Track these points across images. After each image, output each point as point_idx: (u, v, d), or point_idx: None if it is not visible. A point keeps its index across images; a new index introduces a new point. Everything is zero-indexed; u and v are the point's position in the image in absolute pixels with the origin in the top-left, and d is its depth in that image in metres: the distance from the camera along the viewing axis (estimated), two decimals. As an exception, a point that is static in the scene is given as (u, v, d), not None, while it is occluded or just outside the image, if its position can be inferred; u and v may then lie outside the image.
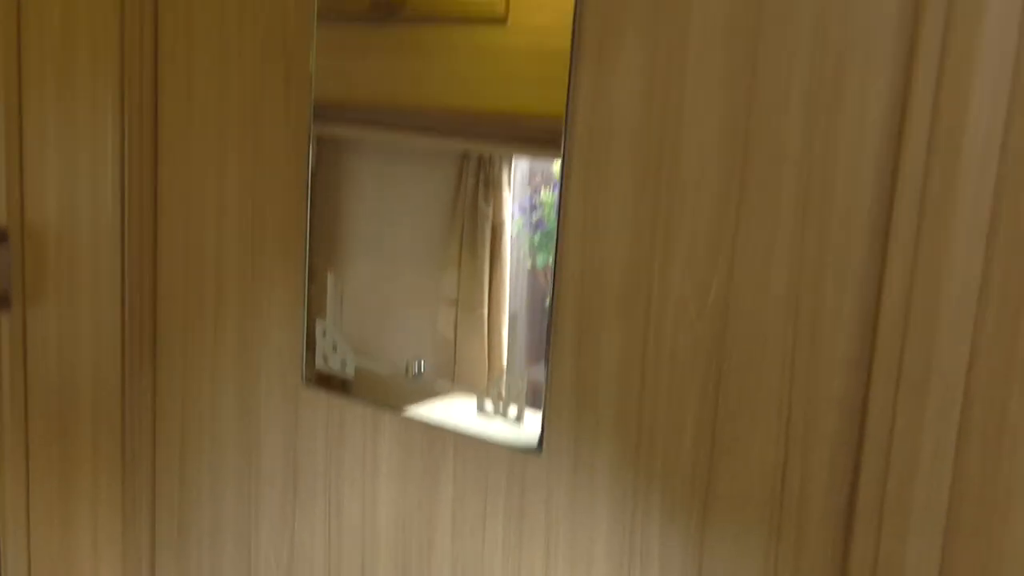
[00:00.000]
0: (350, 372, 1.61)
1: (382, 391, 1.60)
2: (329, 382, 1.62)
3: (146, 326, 1.73)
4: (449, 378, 1.57)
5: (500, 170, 1.63)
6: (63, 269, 1.79)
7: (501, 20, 1.43)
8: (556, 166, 1.70)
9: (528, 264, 1.77)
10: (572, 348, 1.28)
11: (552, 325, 1.30)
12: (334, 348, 1.63)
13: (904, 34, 0.92)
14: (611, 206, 1.20)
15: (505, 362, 1.65)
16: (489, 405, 1.48)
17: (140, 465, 1.75)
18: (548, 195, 1.72)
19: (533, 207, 1.75)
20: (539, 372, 1.64)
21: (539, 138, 1.39)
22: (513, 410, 1.44)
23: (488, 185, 1.65)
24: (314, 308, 1.63)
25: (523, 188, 1.75)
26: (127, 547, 1.80)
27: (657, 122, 1.12)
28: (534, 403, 1.47)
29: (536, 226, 1.75)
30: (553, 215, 1.74)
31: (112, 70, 1.70)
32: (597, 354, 1.24)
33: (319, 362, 1.63)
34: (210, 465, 1.70)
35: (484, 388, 1.49)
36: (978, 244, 0.89)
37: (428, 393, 1.59)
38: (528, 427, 1.44)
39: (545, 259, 1.78)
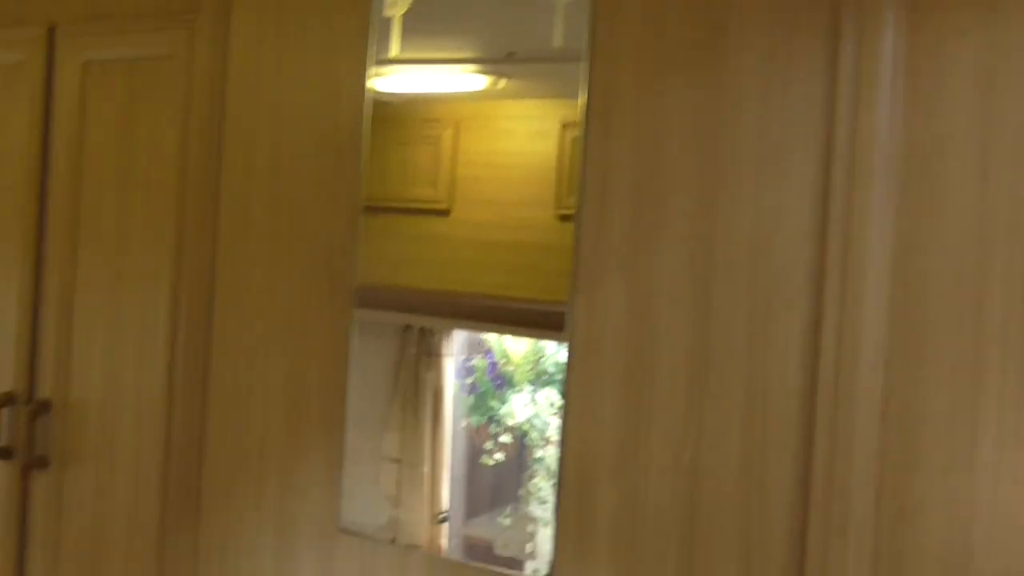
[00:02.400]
0: (382, 520, 1.66)
1: (411, 536, 1.70)
2: (362, 529, 1.65)
3: (191, 491, 1.80)
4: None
5: (440, 340, 1.88)
6: (104, 435, 1.90)
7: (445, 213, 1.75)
8: (488, 336, 2.02)
9: (464, 423, 2.00)
10: (574, 505, 1.51)
11: (560, 487, 1.53)
12: (369, 501, 1.67)
13: (813, 279, 1.28)
14: (604, 393, 1.45)
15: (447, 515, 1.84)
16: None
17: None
18: (481, 361, 2.02)
19: (468, 372, 2.01)
20: (478, 525, 1.88)
21: (541, 323, 1.63)
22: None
23: (430, 354, 1.88)
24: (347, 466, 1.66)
25: (459, 355, 2.00)
26: None
27: (637, 332, 1.41)
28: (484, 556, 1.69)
29: (471, 389, 2.01)
30: (485, 378, 2.03)
31: (168, 265, 1.82)
32: (594, 508, 1.45)
33: (354, 512, 1.64)
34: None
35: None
36: (874, 426, 1.22)
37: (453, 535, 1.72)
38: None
39: (479, 419, 2.03)
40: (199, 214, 1.78)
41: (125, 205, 1.87)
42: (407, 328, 1.84)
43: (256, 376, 1.74)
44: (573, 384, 1.47)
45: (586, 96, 1.42)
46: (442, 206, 1.60)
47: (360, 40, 1.61)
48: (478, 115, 1.55)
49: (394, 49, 1.58)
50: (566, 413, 1.49)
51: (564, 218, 1.47)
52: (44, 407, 1.95)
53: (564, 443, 1.49)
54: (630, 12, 1.40)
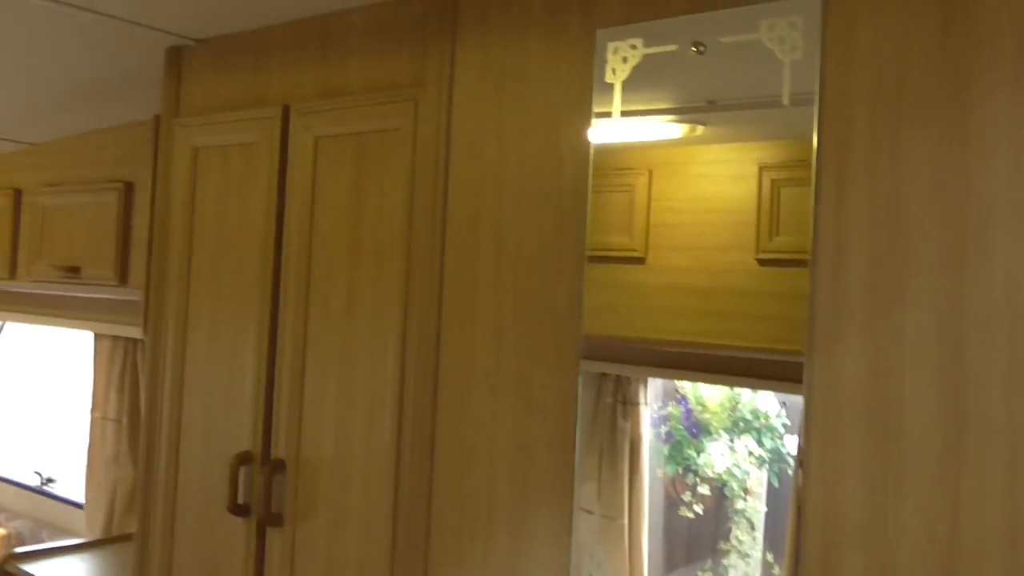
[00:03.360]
0: None
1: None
2: None
3: (419, 547, 1.82)
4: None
5: (637, 389, 1.86)
6: (335, 493, 1.97)
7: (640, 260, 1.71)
8: (682, 384, 1.98)
9: (660, 473, 1.96)
10: (818, 573, 1.40)
11: (801, 552, 1.44)
12: (599, 565, 1.66)
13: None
14: (847, 454, 1.38)
15: (647, 570, 1.80)
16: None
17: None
18: (676, 409, 1.98)
19: (663, 421, 1.98)
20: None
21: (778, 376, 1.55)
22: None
23: (626, 403, 1.85)
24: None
25: (653, 404, 1.98)
26: None
27: (881, 390, 1.34)
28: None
29: (666, 438, 1.98)
30: (680, 426, 1.99)
31: (395, 329, 1.87)
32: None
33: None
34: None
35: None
36: None
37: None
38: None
39: (675, 469, 1.99)
40: (425, 278, 1.82)
41: (354, 271, 1.94)
42: (602, 376, 1.84)
43: (483, 433, 1.76)
44: (812, 443, 1.40)
45: (817, 146, 1.38)
46: (637, 254, 1.59)
47: (583, 102, 1.62)
48: (671, 161, 1.54)
49: (614, 112, 1.59)
50: (805, 473, 1.41)
51: (765, 262, 1.43)
52: (279, 466, 2.03)
53: (805, 506, 1.41)
54: (864, 64, 1.36)
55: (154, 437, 2.31)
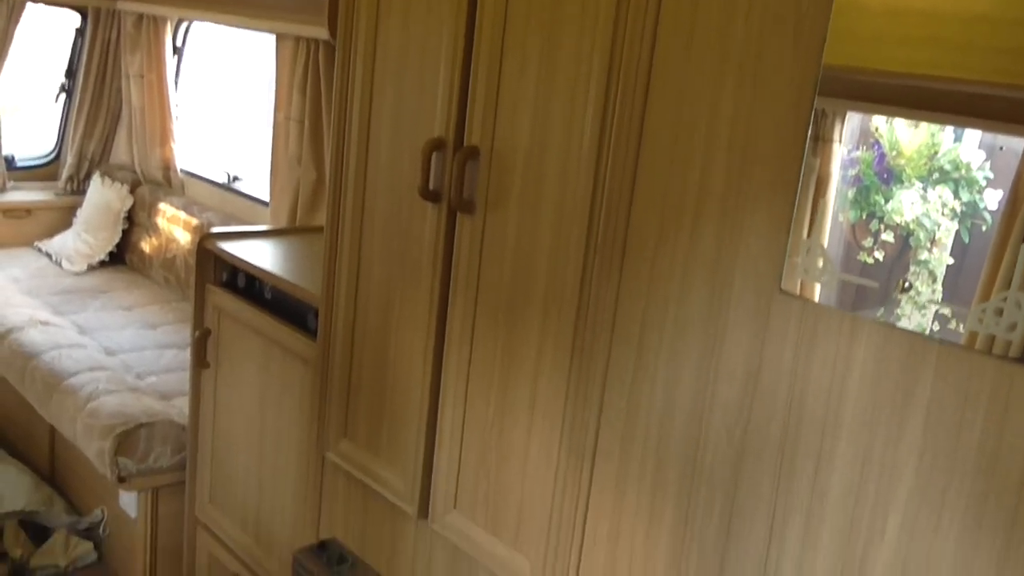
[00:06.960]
0: (829, 283, 1.64)
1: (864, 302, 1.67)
2: (806, 291, 1.63)
3: (618, 232, 1.79)
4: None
5: (832, 124, 1.74)
6: (529, 182, 1.92)
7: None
8: (877, 128, 1.86)
9: (840, 218, 1.89)
10: None
11: None
12: (819, 264, 1.65)
13: None
14: None
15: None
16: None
17: (595, 348, 1.84)
18: (867, 153, 1.87)
19: (851, 164, 1.89)
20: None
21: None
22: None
23: (818, 139, 1.74)
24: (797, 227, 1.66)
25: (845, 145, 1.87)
26: (570, 422, 1.90)
27: None
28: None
29: (853, 182, 1.89)
30: (870, 171, 1.89)
31: (603, 6, 1.75)
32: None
33: (798, 273, 1.63)
34: (667, 359, 1.73)
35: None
36: None
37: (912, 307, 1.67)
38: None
39: (858, 214, 1.91)
40: None
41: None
42: (795, 108, 1.74)
43: (700, 118, 1.66)
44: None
45: None
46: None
47: None
48: None
49: None
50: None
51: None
52: (472, 153, 1.99)
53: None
54: None
55: (344, 128, 2.32)
